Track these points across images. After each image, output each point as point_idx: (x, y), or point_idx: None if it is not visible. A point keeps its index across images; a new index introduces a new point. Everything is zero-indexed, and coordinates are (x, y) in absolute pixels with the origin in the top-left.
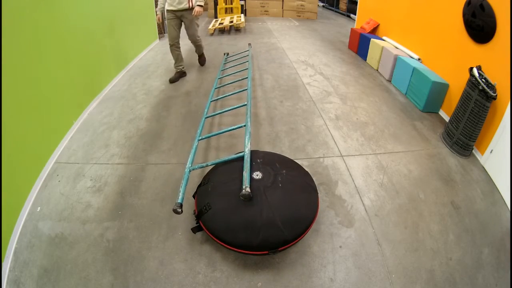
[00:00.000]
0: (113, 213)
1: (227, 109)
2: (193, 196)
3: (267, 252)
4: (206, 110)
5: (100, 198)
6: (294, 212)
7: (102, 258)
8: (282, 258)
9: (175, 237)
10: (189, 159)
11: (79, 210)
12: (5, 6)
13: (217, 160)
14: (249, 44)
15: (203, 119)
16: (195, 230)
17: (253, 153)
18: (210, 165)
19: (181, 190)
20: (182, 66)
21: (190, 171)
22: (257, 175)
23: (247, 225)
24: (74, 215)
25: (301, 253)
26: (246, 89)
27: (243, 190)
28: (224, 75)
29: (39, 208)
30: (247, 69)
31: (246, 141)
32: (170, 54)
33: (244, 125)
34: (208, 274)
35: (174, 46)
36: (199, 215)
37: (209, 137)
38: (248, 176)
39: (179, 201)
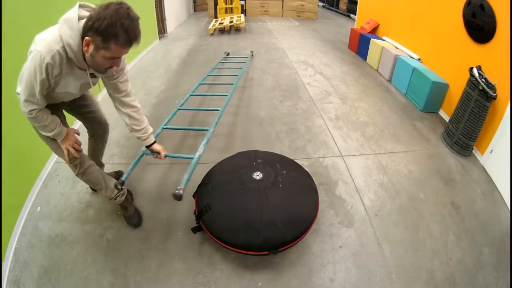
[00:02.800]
0: (113, 213)
1: (198, 108)
2: (193, 196)
3: (267, 252)
4: (182, 102)
5: (100, 198)
6: (294, 212)
7: (102, 258)
8: (282, 258)
9: (175, 237)
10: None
11: (79, 210)
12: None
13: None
14: (251, 52)
15: (176, 110)
16: (195, 230)
17: (253, 153)
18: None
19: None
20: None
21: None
22: (258, 175)
23: (248, 226)
24: (74, 215)
25: (301, 253)
26: (226, 95)
27: (176, 190)
28: (215, 73)
29: (39, 208)
30: (236, 75)
31: (201, 146)
32: (170, 54)
33: (207, 129)
34: (208, 274)
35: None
36: (199, 215)
37: (173, 128)
38: (186, 179)
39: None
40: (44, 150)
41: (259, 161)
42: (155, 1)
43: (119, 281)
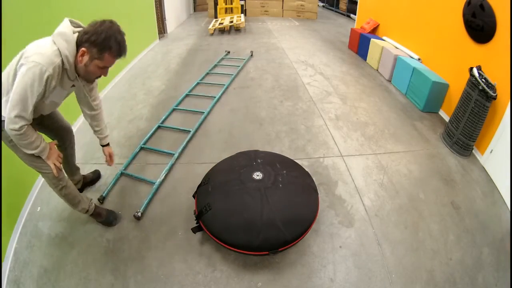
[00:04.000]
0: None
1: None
2: (193, 196)
3: (267, 252)
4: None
5: None
6: (294, 212)
7: (102, 258)
8: (282, 258)
9: (175, 237)
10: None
11: None
12: (4, 6)
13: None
14: (251, 52)
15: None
16: (195, 230)
17: (253, 153)
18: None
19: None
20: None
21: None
22: (258, 175)
23: (248, 226)
24: (74, 215)
25: (301, 253)
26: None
27: (135, 213)
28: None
29: (39, 208)
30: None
31: (162, 173)
32: (170, 54)
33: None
34: (208, 274)
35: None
36: (199, 215)
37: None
38: (145, 203)
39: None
40: None
41: (259, 161)
42: (155, 1)
43: (119, 281)
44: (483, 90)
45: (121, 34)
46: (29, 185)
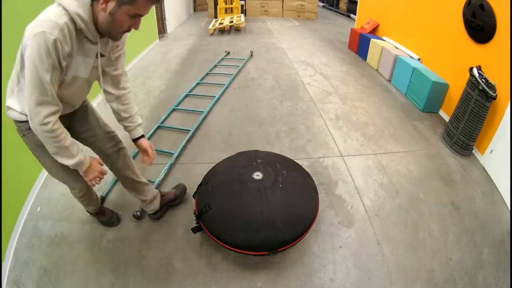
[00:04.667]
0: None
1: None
2: (193, 196)
3: (267, 252)
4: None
5: None
6: (294, 212)
7: (102, 258)
8: (282, 258)
9: (175, 237)
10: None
11: (79, 210)
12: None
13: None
14: (251, 52)
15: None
16: (195, 230)
17: (253, 153)
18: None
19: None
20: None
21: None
22: (258, 175)
23: (248, 226)
24: (74, 215)
25: (301, 253)
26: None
27: (134, 212)
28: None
29: (39, 208)
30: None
31: (162, 172)
32: (170, 54)
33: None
34: (208, 274)
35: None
36: (199, 215)
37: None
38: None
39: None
40: None
41: (259, 161)
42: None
43: (119, 281)
44: (483, 90)
45: None
46: (29, 185)
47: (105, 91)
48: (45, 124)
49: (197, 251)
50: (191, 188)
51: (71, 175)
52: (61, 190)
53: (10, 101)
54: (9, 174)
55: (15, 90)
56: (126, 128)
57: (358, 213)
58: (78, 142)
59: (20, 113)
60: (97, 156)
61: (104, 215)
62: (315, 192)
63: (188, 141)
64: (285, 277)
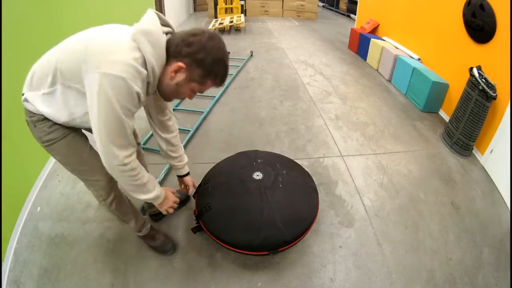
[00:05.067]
0: None
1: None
2: (193, 196)
3: (267, 252)
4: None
5: None
6: (294, 212)
7: (102, 258)
8: (282, 258)
9: (175, 237)
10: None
11: (79, 210)
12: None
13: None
14: (251, 52)
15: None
16: (195, 230)
17: (253, 153)
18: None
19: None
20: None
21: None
22: (258, 175)
23: (248, 226)
24: (74, 215)
25: (301, 253)
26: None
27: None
28: None
29: (39, 208)
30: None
31: (162, 172)
32: None
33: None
34: (208, 274)
35: None
36: (199, 215)
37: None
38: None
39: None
40: (44, 149)
41: (259, 161)
42: (155, 1)
43: (119, 281)
44: (483, 90)
45: (228, 56)
46: (29, 185)
47: (155, 133)
48: (125, 164)
49: (197, 251)
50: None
51: (87, 165)
52: (61, 190)
53: (30, 95)
54: (9, 174)
55: (43, 90)
56: (173, 166)
57: (358, 213)
58: (153, 177)
59: (38, 111)
60: None
61: (154, 240)
62: (315, 192)
63: (188, 141)
64: (285, 277)
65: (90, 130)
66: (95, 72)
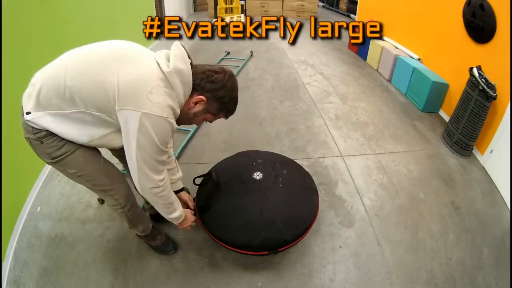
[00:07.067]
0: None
1: None
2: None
3: (267, 252)
4: None
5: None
6: (294, 212)
7: (102, 258)
8: (282, 258)
9: (175, 237)
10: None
11: (79, 210)
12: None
13: None
14: (251, 52)
15: None
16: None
17: (253, 153)
18: None
19: None
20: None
21: None
22: (258, 175)
23: (248, 225)
24: (74, 215)
25: (301, 253)
26: None
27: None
28: None
29: (39, 208)
30: None
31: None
32: None
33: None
34: (208, 274)
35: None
36: (199, 215)
37: None
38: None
39: None
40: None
41: (259, 161)
42: (155, 1)
43: (119, 281)
44: (483, 90)
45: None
46: (29, 185)
47: None
48: (159, 187)
49: (197, 251)
50: (193, 188)
51: (107, 173)
52: (61, 190)
53: (38, 114)
54: (9, 174)
55: (57, 110)
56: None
57: (358, 213)
58: (177, 197)
59: (45, 128)
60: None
61: (155, 240)
62: (315, 192)
63: (188, 141)
64: (285, 277)
65: (103, 147)
66: (134, 111)
